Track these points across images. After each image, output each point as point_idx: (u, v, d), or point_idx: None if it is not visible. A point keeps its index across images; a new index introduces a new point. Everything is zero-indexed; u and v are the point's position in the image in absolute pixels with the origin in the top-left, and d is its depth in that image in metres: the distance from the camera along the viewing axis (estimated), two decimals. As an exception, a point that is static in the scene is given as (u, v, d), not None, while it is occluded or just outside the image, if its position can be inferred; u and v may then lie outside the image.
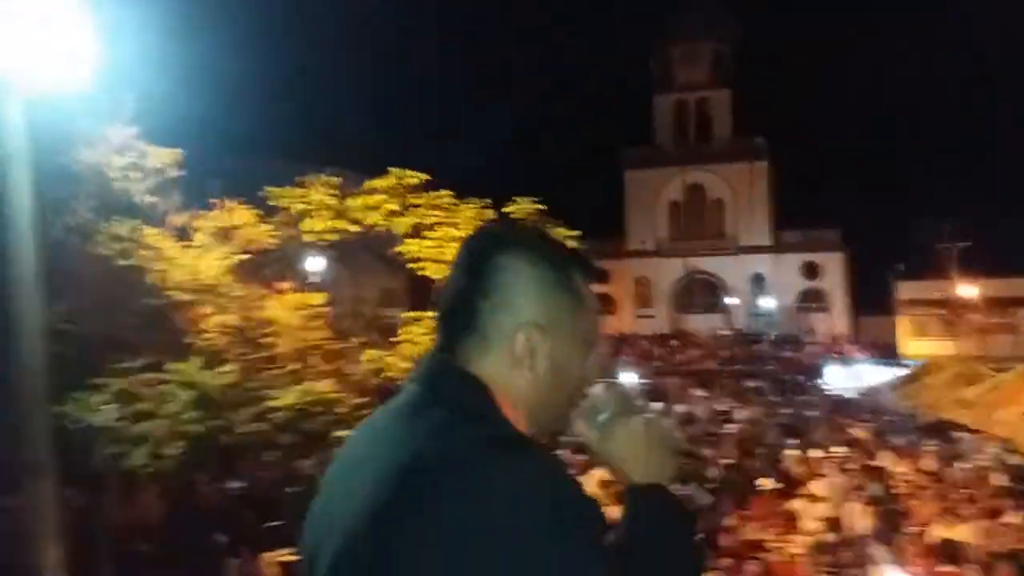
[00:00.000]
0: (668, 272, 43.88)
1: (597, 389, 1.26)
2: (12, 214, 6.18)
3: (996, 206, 44.91)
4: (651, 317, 43.76)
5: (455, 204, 11.57)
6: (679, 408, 21.01)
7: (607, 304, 45.56)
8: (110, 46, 6.67)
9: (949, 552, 7.68)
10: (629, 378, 24.90)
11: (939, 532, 9.09)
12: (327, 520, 1.10)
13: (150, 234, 7.73)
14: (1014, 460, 12.85)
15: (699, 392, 23.96)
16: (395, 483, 1.02)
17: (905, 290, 36.11)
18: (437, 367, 1.17)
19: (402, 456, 1.04)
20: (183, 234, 8.59)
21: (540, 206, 12.43)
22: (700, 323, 42.05)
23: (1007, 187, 46.45)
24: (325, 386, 7.78)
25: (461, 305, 1.16)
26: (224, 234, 8.65)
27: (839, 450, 13.45)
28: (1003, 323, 33.65)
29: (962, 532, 9.23)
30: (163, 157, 8.50)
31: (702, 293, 44.80)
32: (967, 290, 31.98)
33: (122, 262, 7.54)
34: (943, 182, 50.33)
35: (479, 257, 1.17)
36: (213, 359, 7.46)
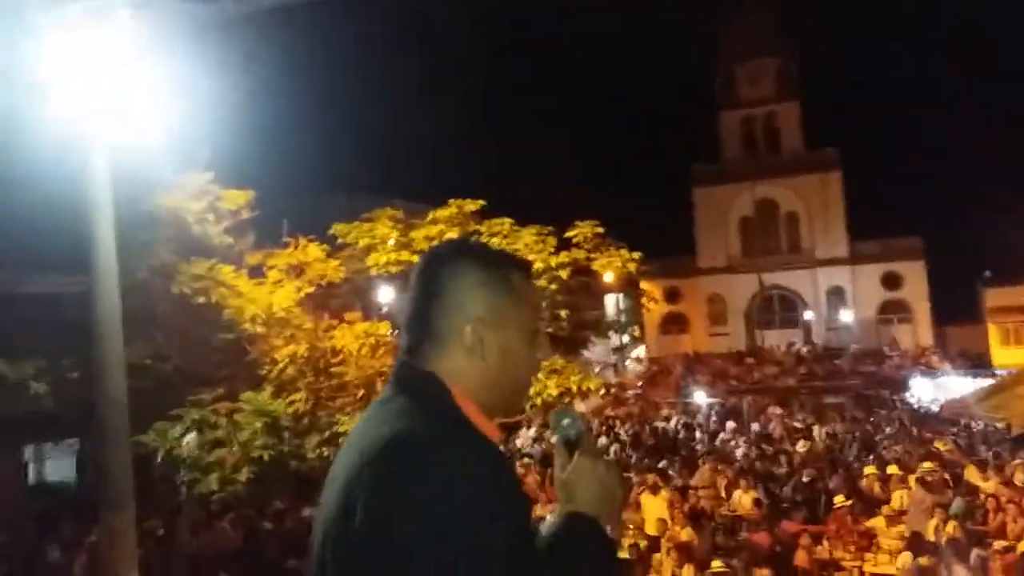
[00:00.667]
0: (742, 288, 42.99)
1: (568, 419, 1.45)
2: (98, 258, 6.69)
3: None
4: (725, 335, 42.94)
5: (516, 230, 11.80)
6: (755, 426, 20.61)
7: (679, 323, 45.01)
8: (184, 93, 7.17)
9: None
10: (702, 397, 24.52)
11: (1027, 548, 8.74)
12: (322, 503, 1.33)
13: (226, 272, 8.17)
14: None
15: (776, 410, 23.38)
16: (363, 459, 1.24)
17: (993, 297, 34.61)
18: (400, 368, 1.40)
19: (370, 438, 1.27)
20: (257, 272, 9.03)
21: (599, 228, 12.55)
22: (777, 339, 40.96)
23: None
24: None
25: (417, 314, 1.38)
26: (295, 270, 9.06)
27: (922, 465, 13.02)
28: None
29: (1052, 548, 8.85)
30: (236, 199, 8.99)
31: (778, 309, 43.74)
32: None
33: (200, 300, 7.98)
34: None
35: (427, 271, 1.40)
36: (284, 388, 7.80)
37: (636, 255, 12.63)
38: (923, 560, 8.35)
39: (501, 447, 1.37)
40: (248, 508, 7.77)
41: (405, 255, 10.67)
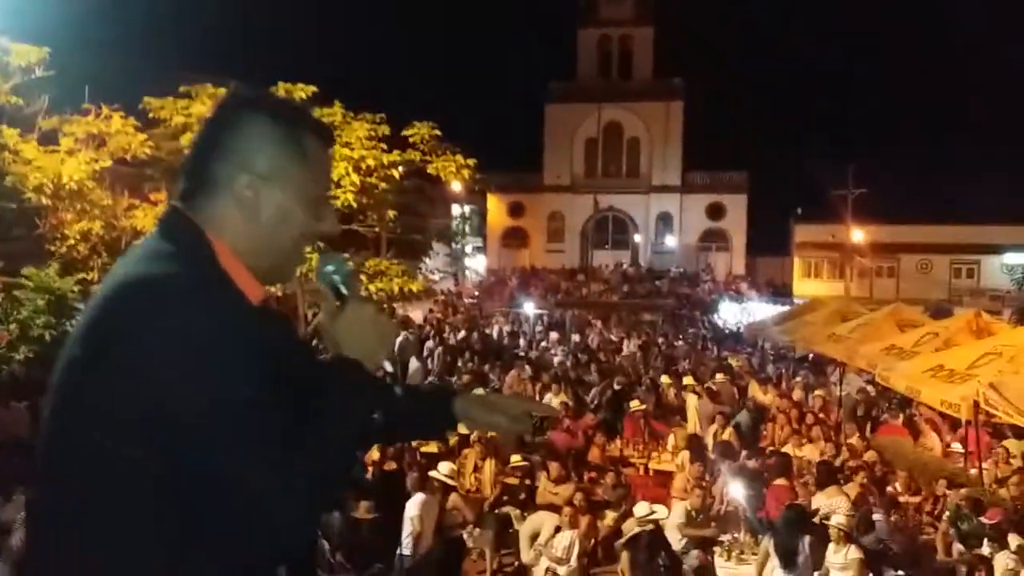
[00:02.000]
0: (581, 208, 44.39)
1: (333, 264, 1.38)
2: None
3: (891, 153, 46.96)
4: (561, 252, 44.42)
5: (348, 120, 11.36)
6: (575, 338, 21.68)
7: (520, 237, 45.96)
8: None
9: (783, 467, 8.35)
10: (531, 309, 25.45)
11: (789, 452, 9.86)
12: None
13: (10, 135, 7.40)
14: (871, 390, 13.90)
15: (596, 324, 24.68)
16: (90, 305, 1.20)
17: (801, 233, 37.62)
18: (166, 212, 1.32)
19: (106, 281, 1.22)
20: (51, 139, 8.24)
21: (437, 131, 12.34)
22: (608, 259, 42.98)
23: (904, 135, 48.54)
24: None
25: (195, 159, 1.31)
26: (95, 140, 8.33)
27: (716, 377, 14.27)
28: (888, 267, 35.66)
29: (809, 451, 10.04)
30: (27, 54, 8.07)
31: (611, 230, 45.65)
32: (857, 235, 33.52)
33: (-19, 164, 7.22)
34: (847, 129, 52.17)
35: (216, 116, 1.33)
36: (73, 266, 7.27)
37: (471, 161, 12.54)
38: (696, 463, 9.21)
39: (260, 306, 1.31)
40: (28, 391, 7.28)
41: (225, 137, 10.07)
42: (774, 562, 6.30)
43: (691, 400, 12.26)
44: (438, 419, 1.64)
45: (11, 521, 7.39)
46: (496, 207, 44.10)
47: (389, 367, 1.66)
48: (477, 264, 45.15)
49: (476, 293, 35.81)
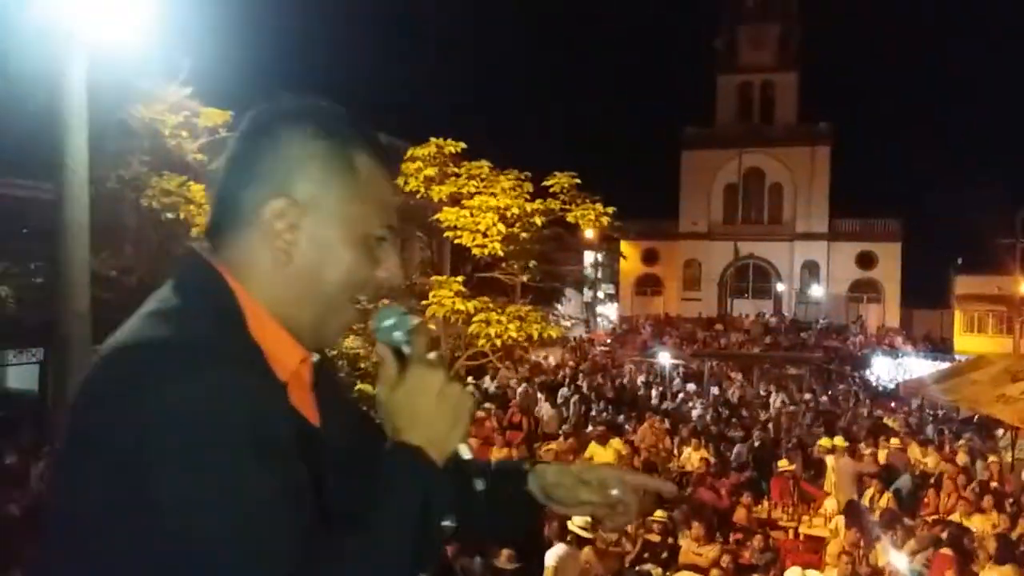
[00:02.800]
0: (718, 255, 43.37)
1: (393, 318, 1.07)
2: (70, 164, 6.67)
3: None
4: (697, 300, 43.44)
5: (494, 175, 11.76)
6: (714, 390, 21.06)
7: (654, 284, 45.35)
8: (167, 4, 7.08)
9: (954, 537, 7.75)
10: (666, 358, 24.96)
11: (956, 520, 9.14)
12: None
13: (197, 190, 8.14)
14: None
15: (738, 376, 23.88)
16: (92, 369, 0.94)
17: (962, 285, 35.13)
18: (181, 255, 1.06)
19: (108, 343, 0.96)
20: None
21: (576, 180, 12.56)
22: (747, 308, 41.51)
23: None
24: (352, 343, 8.13)
25: (221, 182, 1.02)
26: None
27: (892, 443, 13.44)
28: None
29: (978, 523, 9.25)
30: (214, 117, 8.90)
31: (752, 278, 44.25)
32: (1027, 287, 30.97)
33: (169, 215, 7.97)
34: (1010, 175, 48.57)
35: (251, 127, 1.03)
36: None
37: (610, 209, 12.67)
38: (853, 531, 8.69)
39: (295, 378, 1.00)
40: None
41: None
42: None
43: (830, 462, 11.54)
44: (519, 513, 1.26)
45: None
46: (630, 254, 43.79)
47: (466, 453, 1.31)
48: (609, 311, 44.92)
49: (608, 340, 35.53)
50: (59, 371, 6.93)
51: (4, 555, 7.48)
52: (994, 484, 11.18)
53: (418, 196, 11.53)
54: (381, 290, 1.09)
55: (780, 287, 42.96)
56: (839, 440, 12.51)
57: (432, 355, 1.05)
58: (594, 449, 11.12)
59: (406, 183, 11.06)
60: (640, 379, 23.48)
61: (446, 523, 1.00)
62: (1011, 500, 10.18)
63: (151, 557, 0.84)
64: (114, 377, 0.89)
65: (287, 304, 1.00)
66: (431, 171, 11.23)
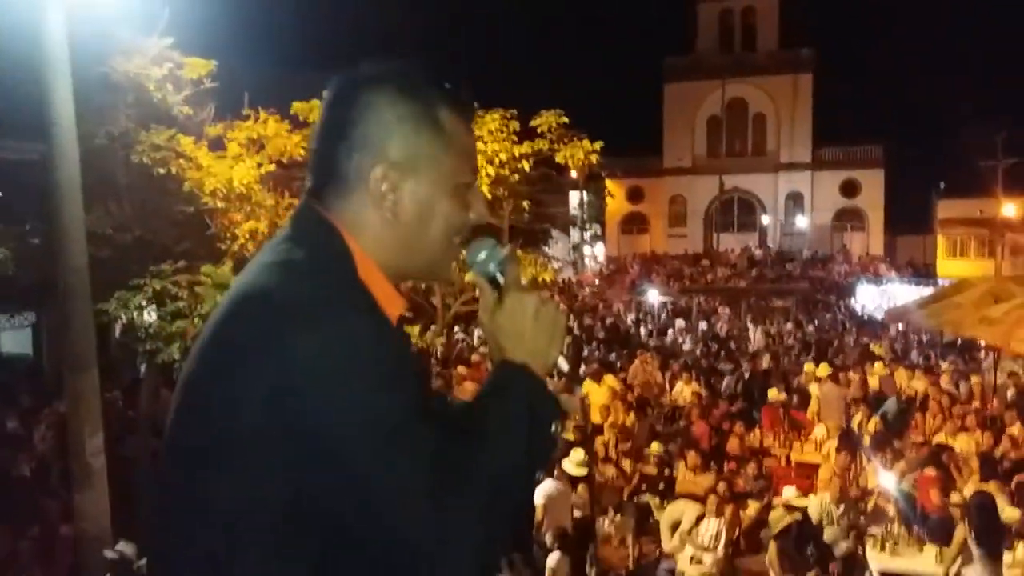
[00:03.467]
0: (704, 190, 43.14)
1: (486, 251, 1.19)
2: (55, 120, 6.59)
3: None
4: (683, 236, 43.52)
5: (479, 115, 11.63)
6: (703, 325, 21.37)
7: (640, 223, 45.34)
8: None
9: (938, 457, 8.04)
10: (655, 296, 25.24)
11: (942, 441, 9.46)
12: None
13: (186, 143, 8.06)
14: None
15: (725, 310, 24.20)
16: (218, 317, 1.06)
17: (945, 209, 35.32)
18: (300, 208, 1.16)
19: (236, 289, 1.08)
20: (217, 144, 8.91)
21: (564, 119, 12.47)
22: (734, 242, 41.54)
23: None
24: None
25: (322, 147, 1.13)
26: (255, 144, 8.94)
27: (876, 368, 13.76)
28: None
29: (963, 442, 9.59)
30: (198, 68, 8.75)
31: (737, 212, 44.32)
32: (1009, 209, 31.18)
33: (160, 170, 7.91)
34: (991, 96, 48.49)
35: (339, 95, 1.13)
36: (244, 264, 7.87)
37: (598, 145, 12.59)
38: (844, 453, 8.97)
39: (399, 322, 1.15)
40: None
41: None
42: (975, 551, 5.91)
43: (814, 390, 11.82)
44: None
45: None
46: (615, 192, 43.64)
47: (564, 365, 1.42)
48: (596, 251, 44.97)
49: (596, 281, 35.69)
50: (59, 326, 6.96)
51: (17, 513, 7.66)
52: (976, 404, 11.53)
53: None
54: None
55: (765, 219, 43.11)
56: (823, 368, 12.81)
57: (524, 281, 1.18)
58: (589, 386, 11.34)
59: None
60: (630, 317, 23.76)
61: (553, 429, 1.13)
62: (993, 419, 10.52)
63: (304, 478, 0.96)
64: (258, 327, 0.99)
65: (398, 257, 1.13)
66: None
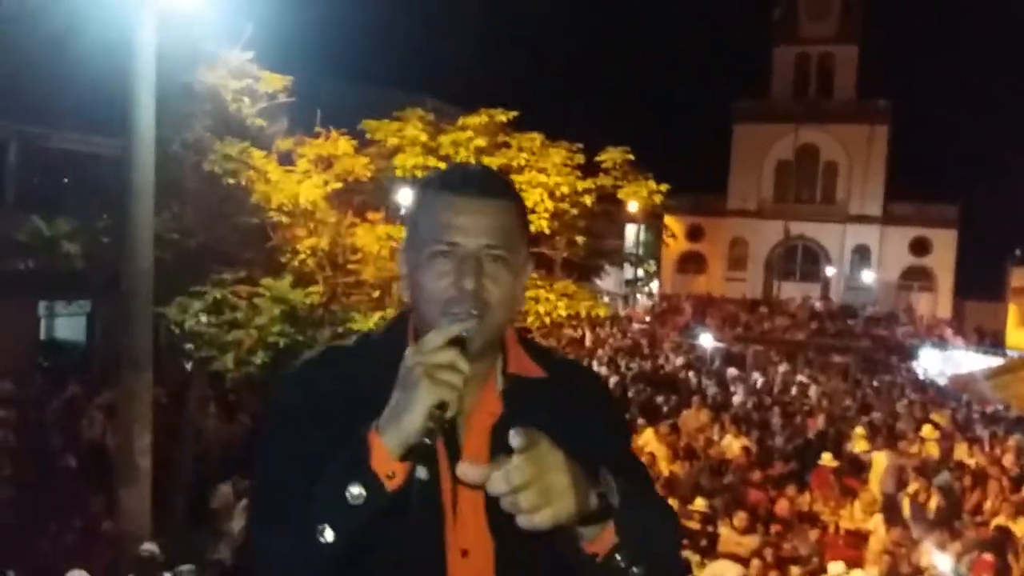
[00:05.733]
0: (766, 235, 42.36)
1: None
2: (135, 127, 6.77)
3: None
4: (742, 280, 42.66)
5: (545, 147, 11.64)
6: (756, 376, 20.82)
7: (697, 263, 44.54)
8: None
9: (997, 541, 7.62)
10: (708, 340, 24.72)
11: (1002, 523, 8.97)
12: None
13: (258, 156, 8.22)
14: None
15: (781, 364, 23.53)
16: None
17: (1019, 277, 34.04)
18: None
19: None
20: (286, 158, 9.07)
21: (630, 155, 12.40)
22: (794, 291, 40.36)
23: None
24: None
25: None
26: (323, 162, 9.07)
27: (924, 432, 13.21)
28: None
29: (1023, 526, 9.07)
30: (274, 83, 8.95)
31: (800, 260, 43.31)
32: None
33: (230, 180, 8.07)
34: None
35: None
36: (303, 279, 7.95)
37: (663, 187, 12.48)
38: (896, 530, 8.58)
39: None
40: (259, 389, 8.08)
41: (432, 160, 10.56)
42: None
43: (879, 457, 11.40)
44: None
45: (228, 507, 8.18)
46: (674, 229, 43.10)
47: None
48: (651, 287, 44.32)
49: (647, 319, 35.11)
50: (119, 324, 7.11)
51: (61, 504, 7.79)
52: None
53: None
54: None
55: (829, 271, 42.03)
56: (862, 443, 12.34)
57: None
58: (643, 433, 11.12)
59: (456, 153, 10.99)
60: (678, 360, 23.27)
61: (351, 495, 1.13)
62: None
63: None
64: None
65: (416, 314, 1.32)
66: (481, 141, 11.11)
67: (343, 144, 9.12)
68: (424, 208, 1.26)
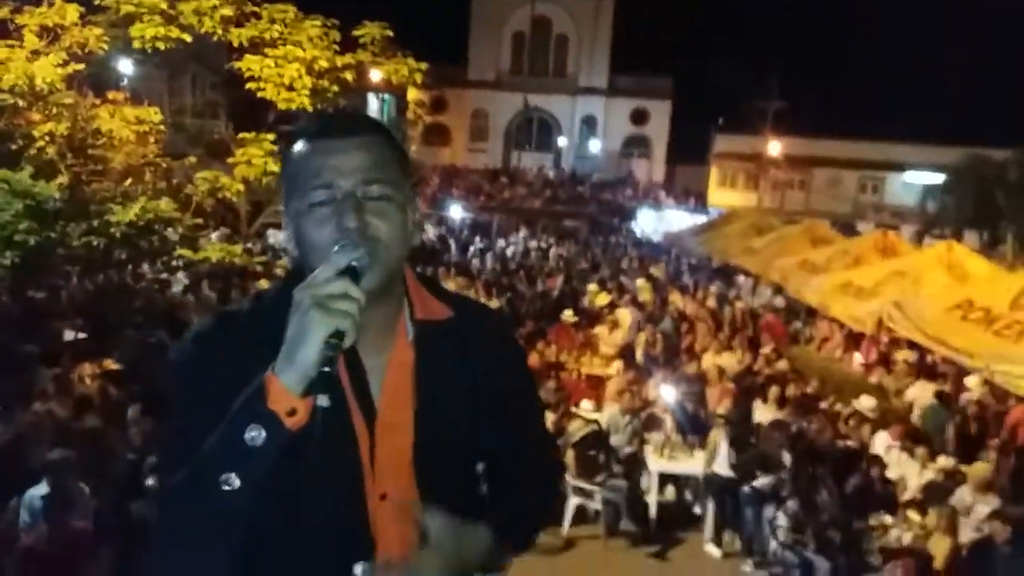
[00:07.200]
0: (505, 106, 43.68)
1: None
2: None
3: (815, 67, 47.92)
4: (484, 151, 44.03)
5: (299, 19, 11.14)
6: (500, 243, 22.27)
7: (441, 135, 45.02)
8: None
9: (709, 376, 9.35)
10: (457, 211, 25.60)
11: (710, 359, 10.88)
12: None
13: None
14: (781, 302, 15.13)
15: (521, 230, 25.25)
16: None
17: (721, 143, 38.12)
18: None
19: None
20: (3, 29, 7.93)
21: (388, 32, 12.22)
22: (530, 161, 42.68)
23: (830, 48, 49.45)
24: (164, 205, 7.77)
25: None
26: (50, 33, 8.06)
27: (639, 286, 15.22)
28: (800, 180, 37.08)
29: (727, 360, 11.09)
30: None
31: (536, 131, 45.43)
32: (775, 147, 34.46)
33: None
34: (774, 39, 52.82)
35: None
36: (43, 169, 7.23)
37: (423, 65, 12.52)
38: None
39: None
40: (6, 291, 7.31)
41: (174, 31, 9.66)
42: (723, 448, 7.34)
43: (623, 309, 13.12)
44: None
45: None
46: (422, 102, 42.66)
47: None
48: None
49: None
50: None
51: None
52: (739, 326, 13.24)
53: (214, 39, 10.67)
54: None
55: (561, 141, 44.60)
56: (602, 297, 14.09)
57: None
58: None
59: (200, 23, 10.14)
60: (432, 232, 24.06)
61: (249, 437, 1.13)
62: (751, 339, 12.18)
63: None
64: None
65: None
66: (228, 11, 10.32)
67: (71, 11, 8.11)
68: (295, 161, 1.25)
